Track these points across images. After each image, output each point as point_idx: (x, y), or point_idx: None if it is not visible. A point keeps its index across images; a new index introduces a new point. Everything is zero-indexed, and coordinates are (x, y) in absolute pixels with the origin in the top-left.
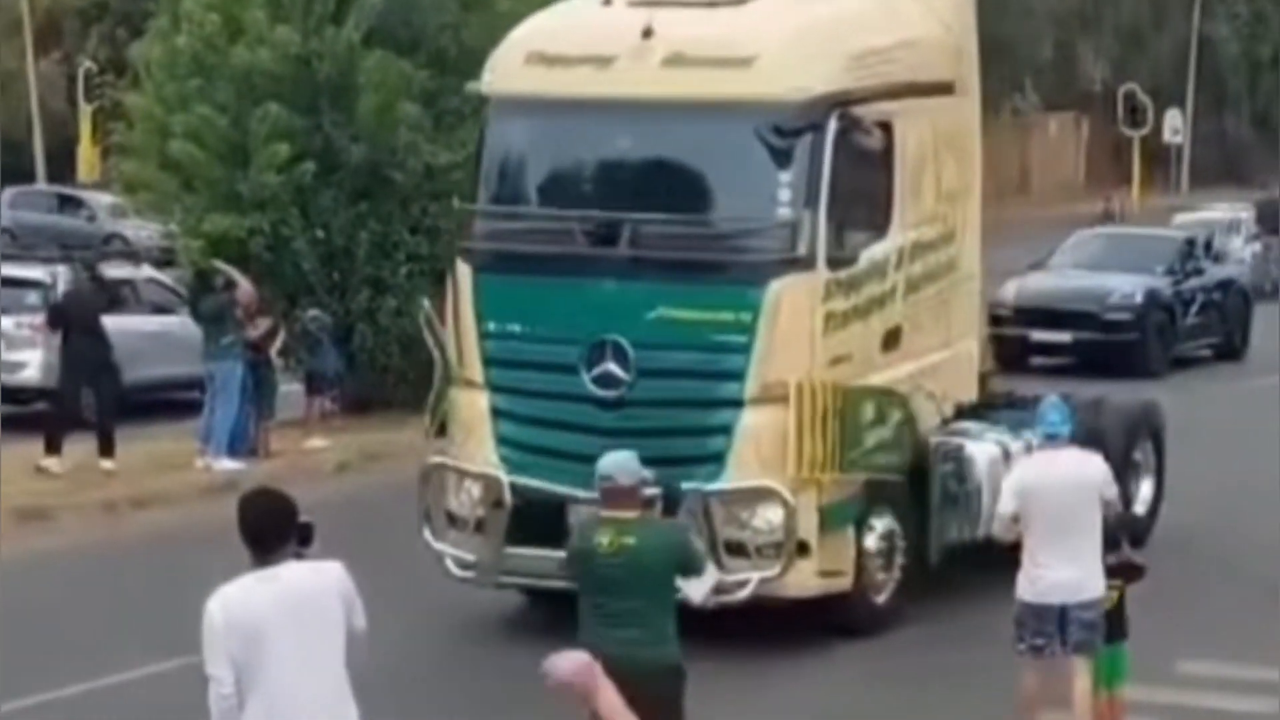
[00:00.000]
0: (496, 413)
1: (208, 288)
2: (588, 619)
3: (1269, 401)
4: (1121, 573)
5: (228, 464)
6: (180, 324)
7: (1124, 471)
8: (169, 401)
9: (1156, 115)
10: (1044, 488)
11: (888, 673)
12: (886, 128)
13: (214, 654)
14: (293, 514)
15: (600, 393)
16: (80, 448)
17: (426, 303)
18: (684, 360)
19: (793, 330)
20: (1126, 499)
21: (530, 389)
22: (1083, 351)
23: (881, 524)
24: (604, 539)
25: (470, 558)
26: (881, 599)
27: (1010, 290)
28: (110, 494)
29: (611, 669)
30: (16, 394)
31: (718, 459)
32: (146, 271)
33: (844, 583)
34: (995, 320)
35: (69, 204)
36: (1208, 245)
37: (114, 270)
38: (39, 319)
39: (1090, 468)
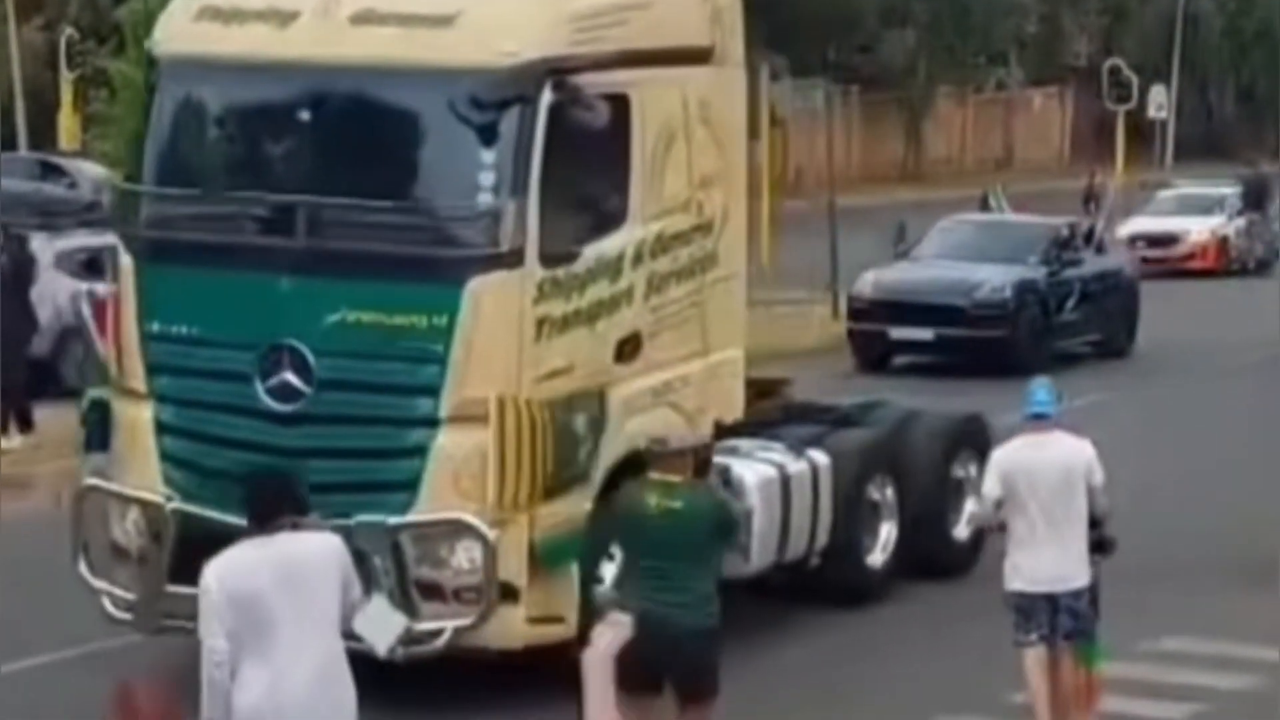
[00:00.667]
0: (161, 427)
1: None
2: (631, 579)
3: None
4: (1100, 549)
5: None
6: None
7: (942, 490)
8: None
9: (1141, 91)
10: (1030, 471)
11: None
12: (621, 101)
13: (209, 622)
14: (291, 484)
15: (276, 406)
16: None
17: (93, 288)
18: (372, 371)
19: (496, 337)
20: (945, 519)
21: (199, 400)
22: (947, 349)
23: (616, 562)
24: (652, 501)
25: (130, 597)
26: None
27: (868, 282)
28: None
29: (651, 629)
30: None
31: (410, 486)
32: None
33: (564, 630)
34: (854, 314)
35: (51, 171)
36: (1088, 234)
37: (93, 238)
38: None
39: (1079, 452)
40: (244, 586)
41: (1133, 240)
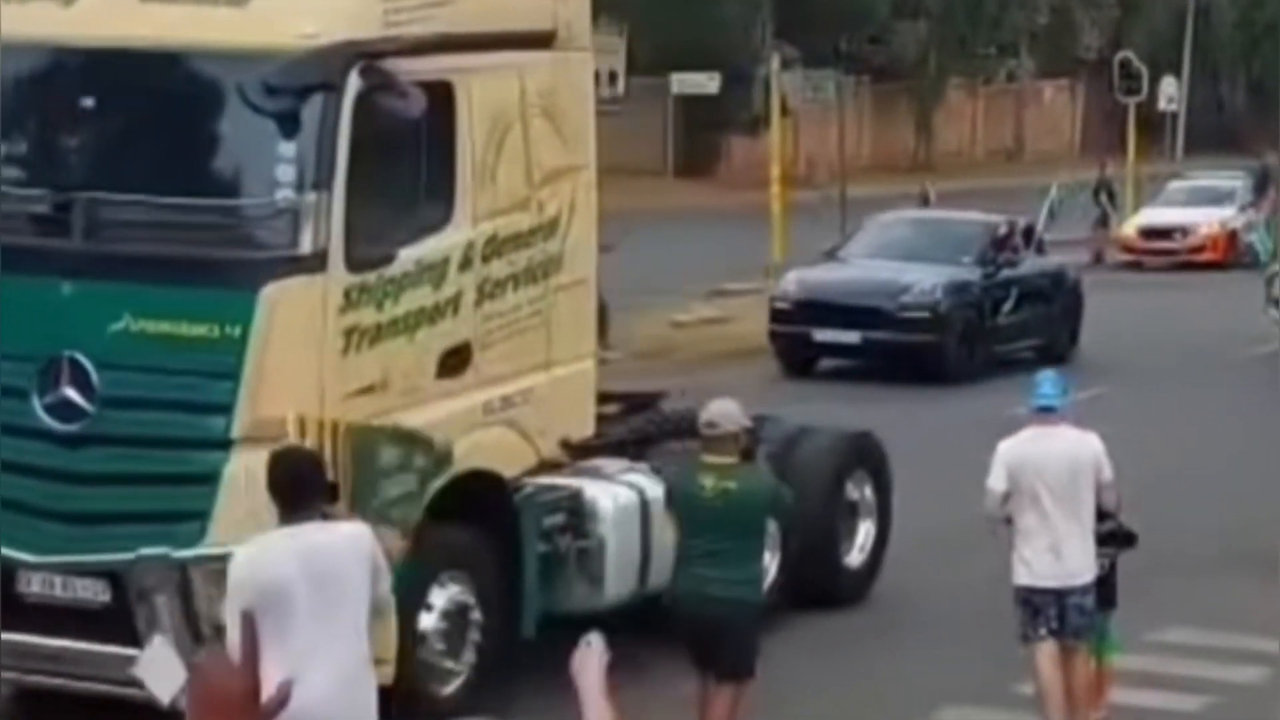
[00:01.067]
0: None
1: None
2: (681, 558)
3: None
4: (1113, 541)
5: None
6: None
7: (833, 511)
8: None
9: (1152, 83)
10: (1036, 465)
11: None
12: (443, 90)
13: (232, 606)
14: (320, 473)
15: (57, 426)
16: None
17: None
18: (160, 386)
19: (295, 349)
20: (835, 545)
21: None
22: (874, 353)
23: (445, 597)
24: (707, 483)
25: None
26: (447, 690)
27: (791, 280)
28: None
29: (698, 606)
30: None
31: (200, 516)
32: None
33: (384, 674)
34: (776, 316)
35: None
36: (1027, 233)
37: None
38: None
39: (1086, 446)
40: (269, 573)
41: (1144, 233)
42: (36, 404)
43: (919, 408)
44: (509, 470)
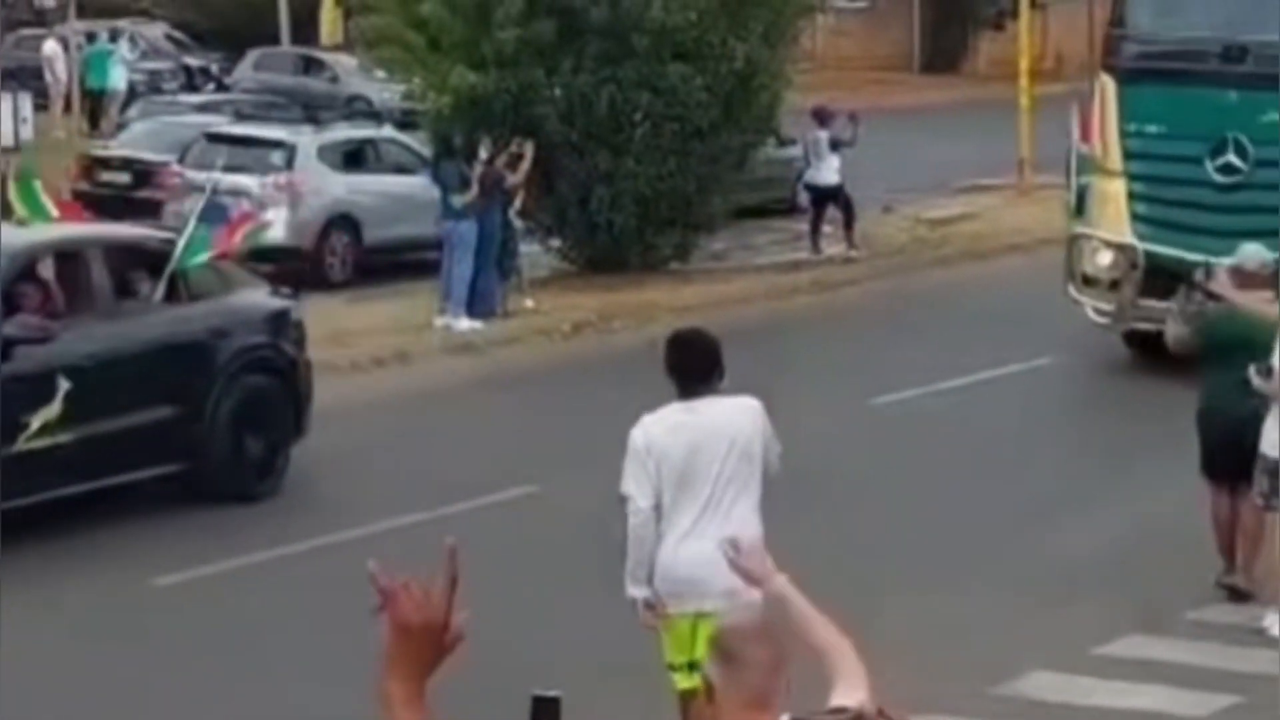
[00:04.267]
0: (1132, 195)
1: (449, 151)
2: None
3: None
4: None
5: (466, 324)
6: (421, 185)
7: None
8: (409, 262)
9: None
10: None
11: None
12: None
13: (633, 476)
14: (716, 352)
15: (1221, 179)
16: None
17: None
18: None
19: None
20: None
21: (1162, 176)
22: None
23: None
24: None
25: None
26: None
27: None
28: (352, 352)
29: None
30: (263, 253)
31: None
32: (388, 132)
33: None
34: None
35: (313, 66)
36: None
37: (355, 131)
38: (283, 178)
39: None
40: (665, 444)
41: None
42: (1208, 166)
43: None
44: None
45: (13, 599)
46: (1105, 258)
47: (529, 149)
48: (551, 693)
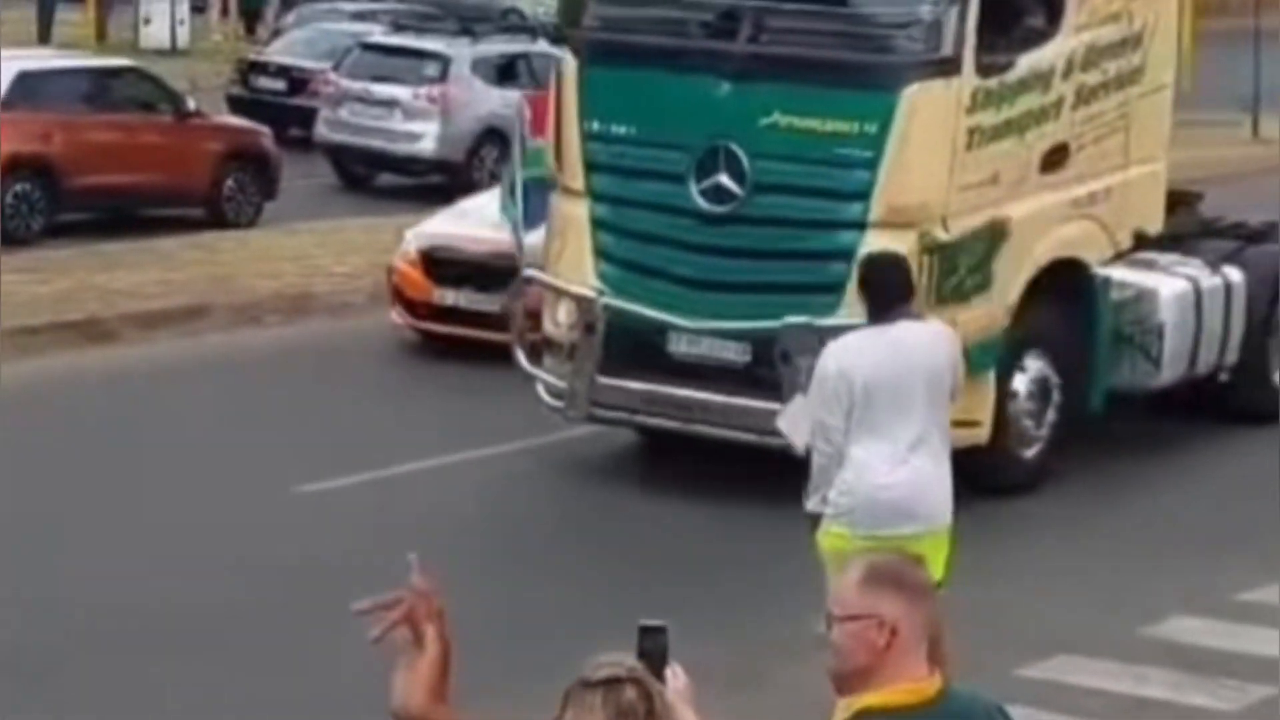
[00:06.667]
0: (597, 224)
1: None
2: None
3: None
4: None
5: None
6: None
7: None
8: None
9: None
10: None
11: None
12: None
13: (826, 400)
14: (908, 276)
15: (709, 208)
16: None
17: None
18: (804, 175)
19: (928, 145)
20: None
21: (634, 199)
22: None
23: (1033, 367)
24: None
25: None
26: (1029, 454)
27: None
28: None
29: None
30: (409, 165)
31: (836, 289)
32: (542, 47)
33: (979, 434)
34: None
35: None
36: None
37: (509, 45)
38: (436, 90)
39: None
40: (857, 366)
41: None
42: (693, 188)
43: None
44: (1091, 259)
45: None
46: (563, 312)
47: None
48: (656, 621)
